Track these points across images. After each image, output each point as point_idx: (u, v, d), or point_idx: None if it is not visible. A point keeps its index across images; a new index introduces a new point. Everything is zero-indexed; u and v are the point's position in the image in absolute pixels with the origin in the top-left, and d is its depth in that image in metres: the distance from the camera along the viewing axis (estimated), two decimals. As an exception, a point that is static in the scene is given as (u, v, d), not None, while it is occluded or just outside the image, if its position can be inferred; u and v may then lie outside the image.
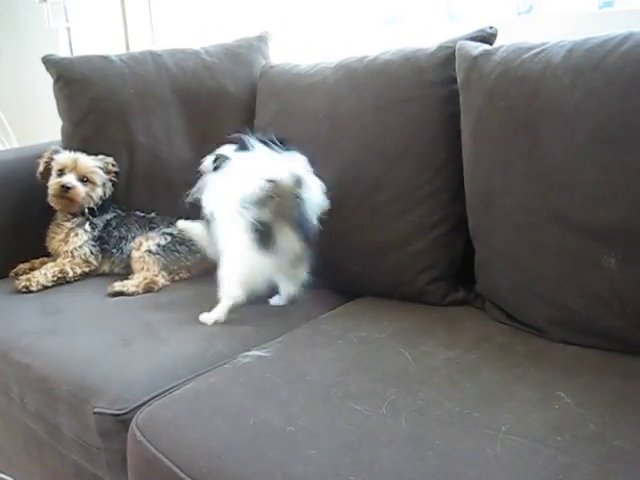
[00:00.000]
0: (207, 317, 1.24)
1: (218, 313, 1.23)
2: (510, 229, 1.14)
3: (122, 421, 0.99)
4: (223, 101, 1.63)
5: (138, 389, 1.03)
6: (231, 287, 1.21)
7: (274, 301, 1.32)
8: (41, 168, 1.60)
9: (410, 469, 0.77)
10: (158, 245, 1.52)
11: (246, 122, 1.50)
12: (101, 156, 1.61)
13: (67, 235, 1.56)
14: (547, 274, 1.09)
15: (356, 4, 2.01)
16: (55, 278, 1.50)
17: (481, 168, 1.19)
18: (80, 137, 1.66)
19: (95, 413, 1.01)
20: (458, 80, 1.25)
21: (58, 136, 1.73)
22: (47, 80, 1.72)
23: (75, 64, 1.69)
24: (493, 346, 1.08)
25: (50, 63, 1.69)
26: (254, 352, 1.09)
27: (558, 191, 1.06)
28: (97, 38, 2.66)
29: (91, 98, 1.65)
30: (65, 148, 1.64)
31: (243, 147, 1.24)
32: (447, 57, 1.28)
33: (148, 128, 1.63)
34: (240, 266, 1.20)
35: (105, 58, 1.69)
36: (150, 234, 1.55)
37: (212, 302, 1.36)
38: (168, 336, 1.19)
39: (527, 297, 1.13)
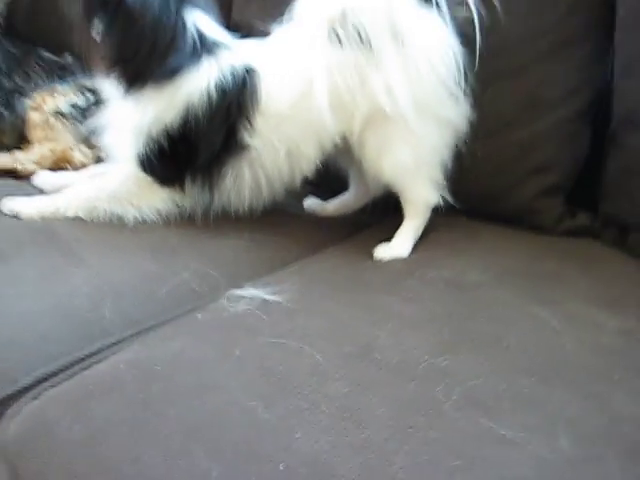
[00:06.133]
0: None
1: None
2: None
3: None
4: None
5: (14, 361, 0.50)
6: None
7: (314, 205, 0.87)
8: None
9: None
10: (74, 106, 0.98)
11: None
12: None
13: None
14: None
15: None
16: None
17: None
18: None
19: None
20: None
21: None
22: None
23: None
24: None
25: None
26: (250, 290, 0.58)
27: None
28: None
29: None
30: None
31: None
32: None
33: None
34: None
35: None
36: (60, 87, 1.01)
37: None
38: (88, 254, 0.65)
39: None
